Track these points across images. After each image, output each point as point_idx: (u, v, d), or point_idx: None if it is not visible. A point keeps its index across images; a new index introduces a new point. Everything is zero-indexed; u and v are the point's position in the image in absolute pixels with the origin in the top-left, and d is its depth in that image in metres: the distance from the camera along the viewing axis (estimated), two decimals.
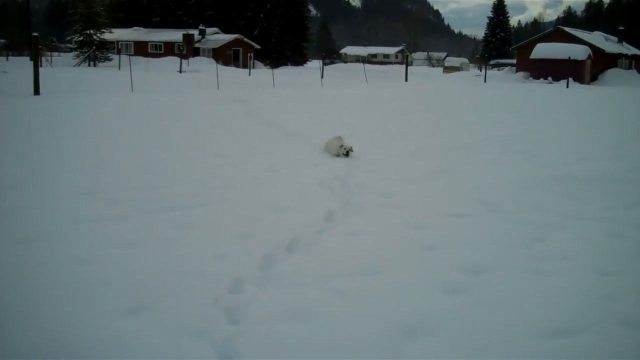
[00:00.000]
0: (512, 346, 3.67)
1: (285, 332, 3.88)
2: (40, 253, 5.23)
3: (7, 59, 54.51)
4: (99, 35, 57.53)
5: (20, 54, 63.77)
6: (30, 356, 3.58)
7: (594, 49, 49.15)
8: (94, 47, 55.87)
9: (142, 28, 76.37)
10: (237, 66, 65.15)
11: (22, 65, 38.83)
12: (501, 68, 68.53)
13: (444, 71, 77.82)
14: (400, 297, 4.36)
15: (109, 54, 57.76)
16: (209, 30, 72.99)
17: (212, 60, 59.20)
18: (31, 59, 28.61)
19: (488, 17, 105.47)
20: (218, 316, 4.13)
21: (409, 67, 44.76)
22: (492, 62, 78.19)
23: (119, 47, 68.49)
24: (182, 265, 4.99)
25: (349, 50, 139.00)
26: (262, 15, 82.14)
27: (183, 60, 51.33)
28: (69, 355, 3.60)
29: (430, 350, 3.63)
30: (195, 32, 70.97)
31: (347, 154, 9.79)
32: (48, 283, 4.61)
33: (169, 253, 5.29)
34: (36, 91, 20.34)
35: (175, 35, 70.97)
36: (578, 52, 46.35)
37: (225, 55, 67.54)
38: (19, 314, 4.11)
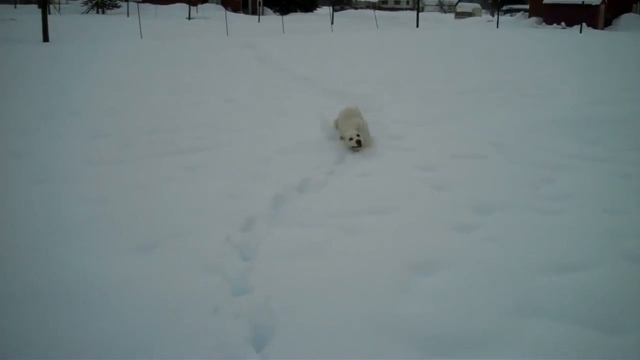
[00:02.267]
0: (521, 281, 3.72)
1: (297, 267, 3.95)
2: (54, 193, 5.32)
3: (15, 7, 54.01)
4: None
5: (28, 2, 63.07)
6: (46, 291, 3.67)
7: None
8: None
9: None
10: (247, 13, 64.31)
11: (30, 12, 38.53)
12: (514, 14, 67.19)
13: (455, 17, 76.41)
14: (410, 235, 4.42)
15: (117, 1, 57.07)
16: None
17: (220, 7, 58.42)
18: (39, 7, 28.37)
19: None
20: (231, 252, 4.21)
21: (420, 13, 44.05)
22: (504, 7, 76.62)
23: None
24: (194, 205, 5.06)
25: None
26: None
27: (192, 7, 50.67)
28: (84, 289, 3.69)
29: (439, 285, 3.70)
30: None
31: (358, 144, 6.71)
32: (62, 221, 4.70)
33: (181, 193, 5.36)
34: (45, 38, 20.29)
35: None
36: None
37: (234, 2, 66.61)
38: (35, 250, 4.20)
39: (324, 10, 71.92)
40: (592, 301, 3.49)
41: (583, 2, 43.22)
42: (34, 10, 38.49)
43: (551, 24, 45.73)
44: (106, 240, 4.36)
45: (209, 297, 3.61)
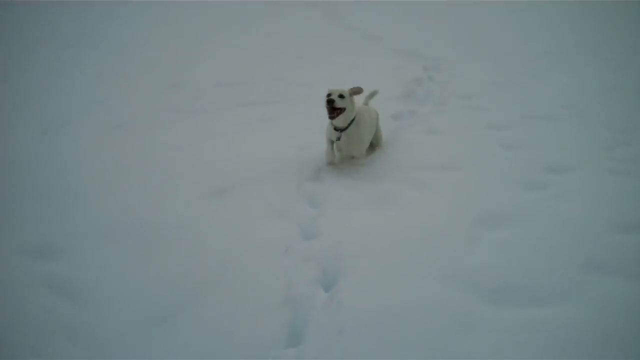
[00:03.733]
0: (589, 238, 3.68)
1: (365, 216, 4.03)
2: (132, 138, 5.55)
3: None
4: None
5: None
6: (124, 229, 3.88)
7: None
8: None
9: None
10: None
11: None
12: None
13: None
14: (478, 190, 4.42)
15: None
16: None
17: None
18: None
19: None
20: (300, 200, 4.33)
21: None
22: None
23: None
24: (265, 155, 5.19)
25: None
26: None
27: None
28: (160, 228, 3.88)
29: (507, 239, 3.71)
30: None
31: (329, 104, 4.74)
32: (141, 165, 4.92)
33: (253, 143, 5.49)
34: None
35: None
36: None
37: None
38: (114, 191, 4.43)
39: None
40: None
41: None
42: None
43: None
44: (182, 184, 4.55)
45: (279, 240, 3.74)
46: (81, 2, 17.77)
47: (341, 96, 4.75)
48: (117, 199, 4.28)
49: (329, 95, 4.75)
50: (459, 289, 3.19)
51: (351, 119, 4.87)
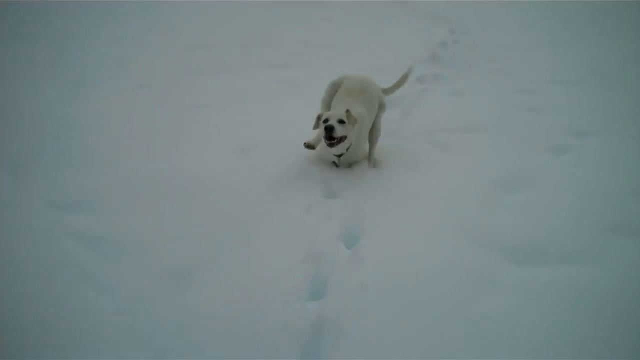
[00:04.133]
0: (610, 201, 3.68)
1: (386, 176, 4.04)
2: (157, 98, 5.58)
3: None
4: None
5: None
6: (156, 187, 3.92)
7: None
8: None
9: None
10: None
11: None
12: None
13: None
14: (501, 153, 4.41)
15: None
16: None
17: None
18: None
19: None
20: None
21: None
22: None
23: None
24: (288, 115, 5.20)
25: None
26: None
27: None
28: (188, 187, 3.91)
29: (528, 200, 3.71)
30: None
31: (329, 133, 3.96)
32: (166, 123, 4.95)
33: (276, 104, 5.51)
34: None
35: None
36: None
37: None
38: (144, 150, 4.46)
39: None
40: None
41: None
42: None
43: None
44: (206, 143, 4.58)
45: (302, 198, 3.76)
46: None
47: (341, 121, 4.00)
48: (144, 156, 4.32)
49: (325, 120, 4.03)
50: (481, 248, 3.20)
51: (349, 145, 4.16)
